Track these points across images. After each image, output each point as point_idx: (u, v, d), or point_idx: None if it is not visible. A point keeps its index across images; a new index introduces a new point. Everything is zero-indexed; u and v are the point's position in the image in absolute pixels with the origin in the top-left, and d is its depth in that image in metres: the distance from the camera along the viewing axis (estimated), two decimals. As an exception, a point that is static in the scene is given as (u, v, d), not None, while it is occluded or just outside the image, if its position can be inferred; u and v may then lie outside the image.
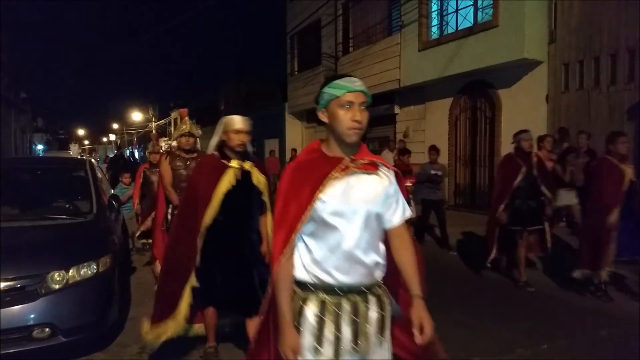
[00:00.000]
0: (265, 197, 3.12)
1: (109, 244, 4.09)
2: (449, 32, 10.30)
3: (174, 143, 4.51)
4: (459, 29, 10.00)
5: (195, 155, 4.48)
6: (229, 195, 2.93)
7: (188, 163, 4.40)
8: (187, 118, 4.62)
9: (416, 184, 7.19)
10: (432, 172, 7.20)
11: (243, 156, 3.03)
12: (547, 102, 8.80)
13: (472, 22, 9.68)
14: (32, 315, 3.22)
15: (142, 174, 6.50)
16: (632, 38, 7.32)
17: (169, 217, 4.34)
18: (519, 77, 9.15)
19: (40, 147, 32.92)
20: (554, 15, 8.57)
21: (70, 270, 3.43)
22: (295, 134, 18.27)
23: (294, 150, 16.21)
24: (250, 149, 3.08)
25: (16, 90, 23.35)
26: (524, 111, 9.06)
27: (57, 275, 3.36)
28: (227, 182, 2.92)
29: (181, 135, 4.47)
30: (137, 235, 5.44)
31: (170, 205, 4.42)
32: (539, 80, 8.86)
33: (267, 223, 3.12)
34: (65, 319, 3.33)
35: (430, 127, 11.33)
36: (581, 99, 8.26)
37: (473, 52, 9.36)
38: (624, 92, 7.56)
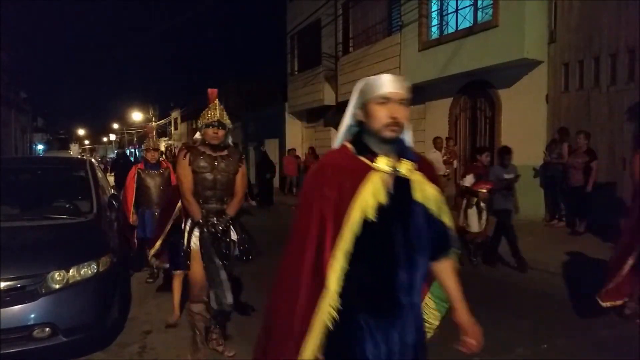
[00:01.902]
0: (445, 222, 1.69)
1: (109, 244, 4.10)
2: (449, 32, 10.30)
3: (197, 135, 3.50)
4: (459, 28, 10.00)
5: (225, 152, 3.44)
6: (376, 219, 1.51)
7: (216, 164, 3.36)
8: (217, 102, 3.46)
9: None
10: (506, 176, 6.19)
11: (397, 150, 1.61)
12: (547, 102, 8.80)
13: (472, 22, 9.68)
14: (33, 315, 3.23)
15: (135, 176, 5.34)
16: (632, 38, 7.32)
17: (187, 234, 3.35)
18: (519, 77, 9.15)
19: (40, 147, 32.92)
20: (554, 15, 8.57)
21: (71, 270, 3.43)
22: (295, 133, 18.26)
23: (294, 150, 16.22)
24: (407, 137, 1.67)
25: (16, 90, 23.36)
26: (523, 111, 9.07)
27: (57, 275, 3.36)
28: (369, 195, 1.52)
29: (207, 125, 3.33)
30: (151, 255, 4.13)
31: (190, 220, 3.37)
32: (539, 80, 8.86)
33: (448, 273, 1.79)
34: (66, 318, 3.34)
35: (430, 127, 11.32)
36: (581, 98, 8.25)
37: (473, 52, 9.36)
38: (624, 92, 7.55)
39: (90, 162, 5.61)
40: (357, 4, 13.87)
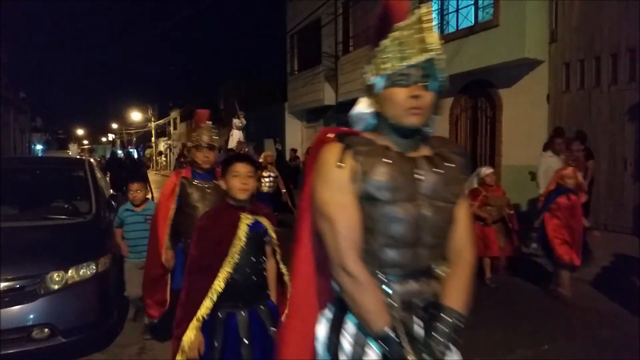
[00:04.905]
0: None
1: (108, 244, 4.07)
2: (450, 31, 10.28)
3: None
4: (460, 28, 9.98)
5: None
6: None
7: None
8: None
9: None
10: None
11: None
12: (547, 102, 8.78)
13: (473, 22, 9.67)
14: (32, 316, 3.21)
15: (176, 190, 3.31)
16: (633, 37, 7.30)
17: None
18: (519, 76, 9.13)
19: (39, 147, 32.87)
20: (555, 14, 8.55)
21: (70, 271, 3.42)
22: (295, 133, 18.25)
23: (294, 150, 16.17)
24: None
25: (15, 90, 23.33)
26: (524, 111, 9.05)
27: (56, 276, 3.34)
28: None
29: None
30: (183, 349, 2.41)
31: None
32: (540, 80, 8.84)
33: None
34: (65, 319, 3.32)
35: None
36: (582, 98, 8.24)
37: (474, 52, 9.34)
38: (625, 92, 7.54)
39: (89, 162, 5.58)
40: (358, 3, 13.85)
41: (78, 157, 10.32)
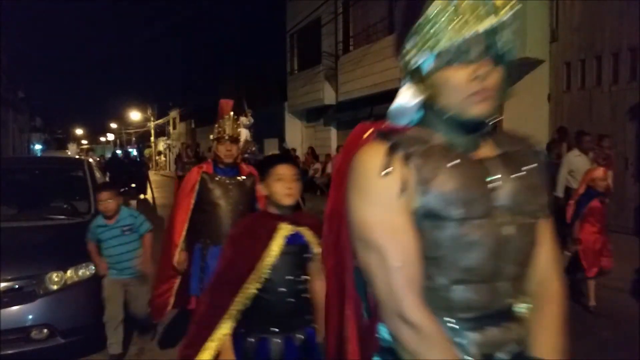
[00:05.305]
0: None
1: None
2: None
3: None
4: (460, 28, 9.96)
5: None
6: None
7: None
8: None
9: None
10: None
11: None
12: (548, 102, 8.77)
13: (473, 21, 9.65)
14: (30, 316, 3.20)
15: (196, 186, 3.09)
16: (634, 37, 7.29)
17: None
18: (520, 76, 9.11)
19: (38, 146, 32.85)
20: (556, 14, 8.54)
21: (68, 271, 3.41)
22: (295, 133, 18.23)
23: (294, 150, 16.14)
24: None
25: (14, 90, 23.30)
26: (525, 110, 9.00)
27: (55, 276, 3.33)
28: None
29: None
30: None
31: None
32: (541, 80, 8.82)
33: None
34: (64, 319, 3.31)
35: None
36: (583, 98, 8.22)
37: (474, 51, 9.32)
38: (626, 92, 7.53)
39: (88, 162, 5.57)
40: (358, 3, 13.84)
41: (77, 157, 10.28)
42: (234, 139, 3.04)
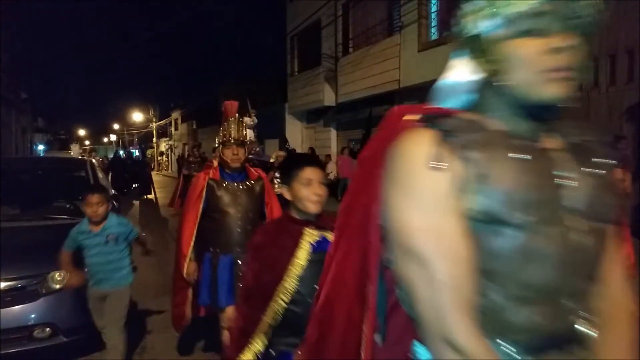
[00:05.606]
0: None
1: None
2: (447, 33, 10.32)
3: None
4: (459, 29, 10.01)
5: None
6: None
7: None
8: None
9: None
10: None
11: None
12: (546, 103, 8.80)
13: (472, 23, 9.69)
14: (33, 315, 3.24)
15: (203, 192, 2.98)
16: (631, 39, 7.32)
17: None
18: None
19: (41, 147, 32.92)
20: (554, 15, 8.58)
21: (71, 271, 3.43)
22: (295, 134, 18.27)
23: (294, 150, 16.22)
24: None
25: (17, 91, 23.38)
26: (523, 112, 9.08)
27: (57, 275, 3.37)
28: None
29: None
30: None
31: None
32: (539, 81, 8.85)
33: None
34: (66, 318, 3.34)
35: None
36: (580, 99, 8.26)
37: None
38: (623, 93, 7.56)
39: (91, 162, 5.62)
40: (357, 5, 13.87)
41: (80, 157, 10.35)
42: (241, 142, 2.92)
